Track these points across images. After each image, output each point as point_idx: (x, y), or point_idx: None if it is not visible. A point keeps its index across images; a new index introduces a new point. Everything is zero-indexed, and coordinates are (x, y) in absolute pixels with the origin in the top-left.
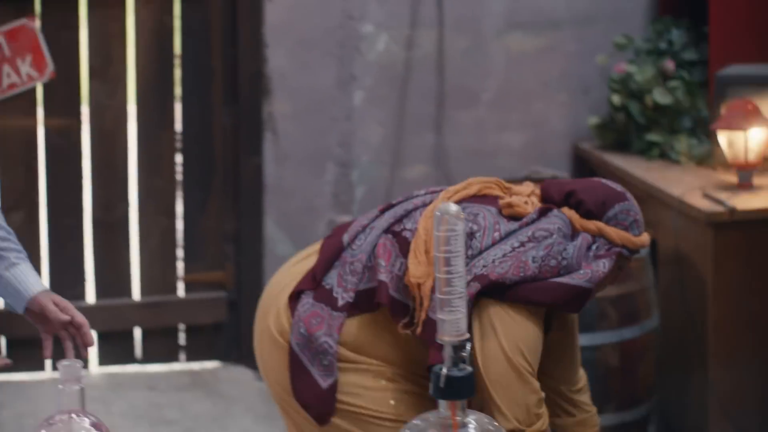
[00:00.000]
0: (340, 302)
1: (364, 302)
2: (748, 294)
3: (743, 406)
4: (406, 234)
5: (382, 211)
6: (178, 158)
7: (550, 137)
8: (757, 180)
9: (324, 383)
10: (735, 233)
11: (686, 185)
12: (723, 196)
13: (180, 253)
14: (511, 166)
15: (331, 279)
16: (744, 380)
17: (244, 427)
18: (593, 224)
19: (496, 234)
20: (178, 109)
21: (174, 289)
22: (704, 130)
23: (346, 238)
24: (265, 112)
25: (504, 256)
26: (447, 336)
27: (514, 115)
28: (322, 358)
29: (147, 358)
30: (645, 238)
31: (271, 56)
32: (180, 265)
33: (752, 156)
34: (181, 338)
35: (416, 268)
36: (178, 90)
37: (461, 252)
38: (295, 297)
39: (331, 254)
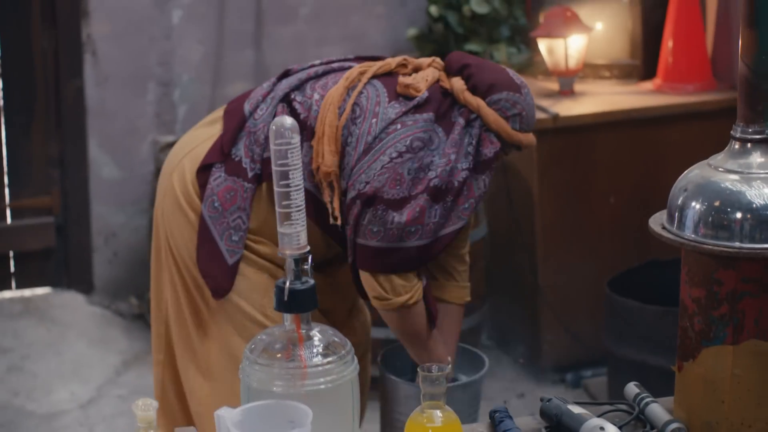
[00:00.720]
0: (250, 173)
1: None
2: (573, 199)
3: (573, 308)
4: (296, 105)
5: (279, 79)
6: (0, 84)
7: (370, 49)
8: (577, 86)
9: (230, 259)
10: (558, 140)
11: None
12: (545, 103)
13: (5, 179)
14: None
15: (239, 150)
16: (573, 283)
17: (78, 351)
18: (475, 100)
19: (374, 120)
20: None
21: (2, 216)
22: (523, 39)
23: (247, 107)
24: (84, 33)
25: (382, 167)
26: (288, 249)
27: (333, 29)
28: (233, 233)
29: None
30: (528, 137)
31: None
32: (6, 192)
33: (572, 63)
34: (11, 265)
35: (330, 159)
36: None
37: (299, 165)
38: (203, 169)
39: (236, 125)
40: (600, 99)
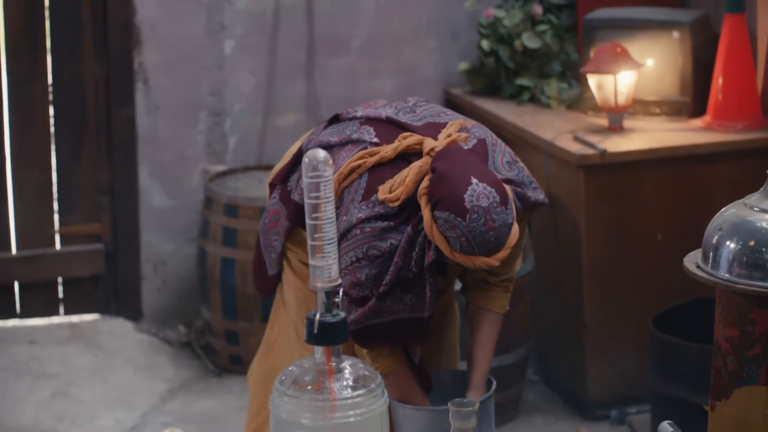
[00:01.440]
0: (293, 206)
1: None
2: (620, 235)
3: (618, 344)
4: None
5: (328, 124)
6: (51, 111)
7: (421, 83)
8: (626, 122)
9: (270, 271)
10: (606, 176)
11: (557, 129)
12: (594, 139)
13: (56, 205)
14: None
15: (292, 181)
16: (618, 320)
17: (124, 378)
18: (426, 209)
19: (344, 217)
20: (49, 61)
21: (51, 242)
22: (574, 74)
23: (304, 144)
24: (135, 62)
25: (345, 267)
26: (319, 282)
27: (385, 62)
28: (272, 251)
29: (26, 312)
30: (474, 259)
31: (140, 6)
32: (56, 218)
33: (622, 99)
34: (60, 291)
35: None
36: (48, 42)
37: (331, 198)
38: (273, 184)
39: (297, 154)
40: (649, 135)
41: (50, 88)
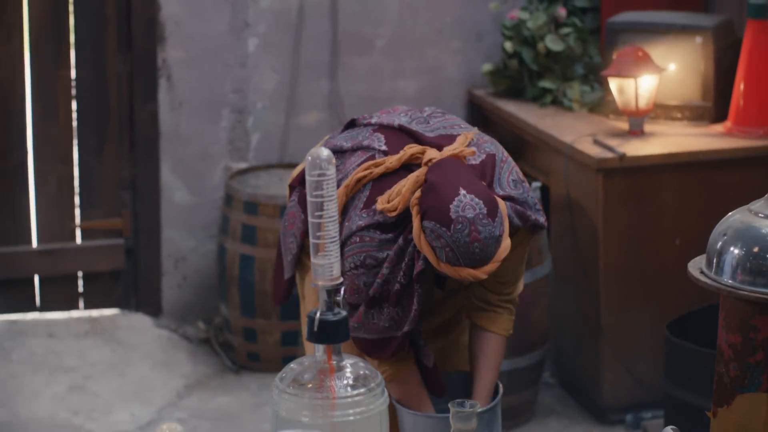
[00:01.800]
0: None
1: None
2: (638, 240)
3: (635, 350)
4: None
5: (344, 129)
6: (74, 105)
7: (445, 84)
8: (648, 127)
9: (287, 274)
10: (624, 179)
11: (578, 132)
12: (613, 142)
13: (77, 200)
14: None
15: None
16: (635, 324)
17: (141, 373)
18: (416, 219)
19: (346, 224)
20: (72, 56)
21: (72, 237)
22: (597, 77)
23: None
24: (159, 58)
25: (344, 273)
26: (321, 280)
27: (408, 62)
28: (288, 254)
29: (46, 306)
30: (460, 271)
31: (165, 3)
32: (77, 212)
33: (643, 103)
34: (80, 285)
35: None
36: (72, 37)
37: (333, 196)
38: (292, 186)
39: None
40: (669, 140)
41: (73, 83)
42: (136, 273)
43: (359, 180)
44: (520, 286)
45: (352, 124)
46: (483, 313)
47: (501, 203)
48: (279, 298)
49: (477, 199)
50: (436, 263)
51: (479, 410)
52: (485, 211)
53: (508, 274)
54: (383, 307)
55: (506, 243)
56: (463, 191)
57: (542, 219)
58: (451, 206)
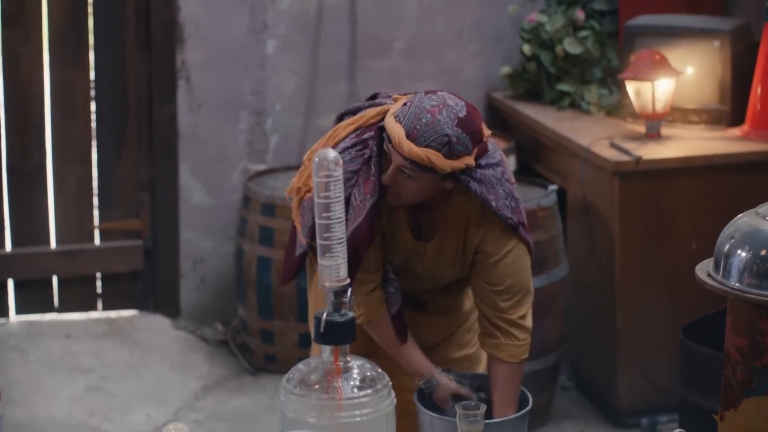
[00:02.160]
0: None
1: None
2: (654, 242)
3: (650, 353)
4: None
5: (340, 117)
6: (93, 106)
7: (463, 86)
8: (664, 130)
9: (297, 252)
10: (640, 183)
11: (595, 135)
12: (630, 146)
13: (95, 201)
14: None
15: None
16: (651, 327)
17: (159, 374)
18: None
19: None
20: (91, 57)
21: (90, 238)
22: (614, 80)
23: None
24: (178, 60)
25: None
26: (328, 281)
27: (427, 65)
28: (304, 230)
29: (64, 307)
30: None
31: (184, 4)
32: (96, 213)
33: (659, 106)
34: (98, 286)
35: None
36: (91, 38)
37: (341, 198)
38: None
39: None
40: (685, 143)
41: (92, 84)
42: (154, 274)
43: (351, 123)
44: (526, 311)
45: (374, 97)
46: (490, 340)
47: (486, 134)
48: (288, 276)
49: (462, 103)
50: (397, 142)
51: (507, 418)
52: (461, 114)
53: (499, 282)
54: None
55: (468, 161)
56: (454, 97)
57: (528, 237)
58: (434, 96)
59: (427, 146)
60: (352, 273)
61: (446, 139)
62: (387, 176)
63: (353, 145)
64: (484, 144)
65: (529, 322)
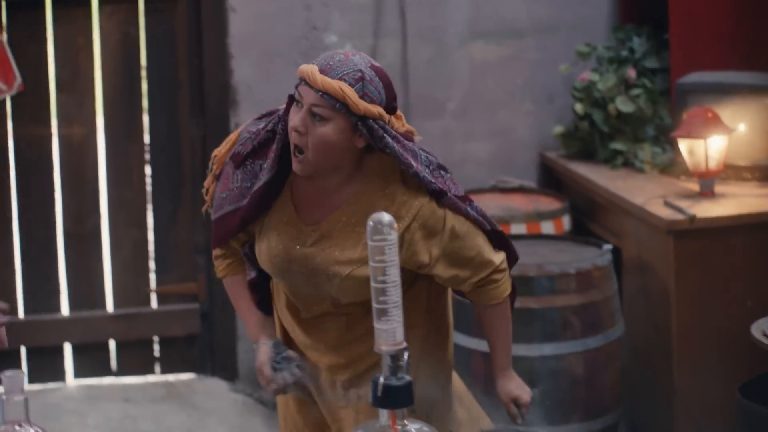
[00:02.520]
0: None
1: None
2: (710, 301)
3: (708, 412)
4: None
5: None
6: (148, 170)
7: (516, 146)
8: (718, 188)
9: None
10: (695, 241)
11: (649, 193)
12: (684, 204)
13: (152, 264)
14: (479, 176)
15: None
16: (708, 386)
17: None
18: None
19: None
20: (146, 121)
21: (147, 301)
22: (667, 138)
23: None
24: (232, 122)
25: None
26: (384, 345)
27: (480, 125)
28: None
29: (122, 370)
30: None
31: (237, 67)
32: (152, 277)
33: (713, 164)
34: (156, 350)
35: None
36: (145, 102)
37: (396, 261)
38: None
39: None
40: (739, 201)
41: (147, 148)
42: (211, 337)
43: None
44: (489, 257)
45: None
46: (471, 295)
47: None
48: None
49: (376, 65)
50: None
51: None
52: (375, 63)
53: (460, 254)
54: (241, 167)
55: (380, 110)
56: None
57: (464, 205)
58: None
59: (340, 78)
60: (228, 230)
61: (360, 74)
62: (297, 119)
63: (262, 117)
64: (399, 117)
65: (497, 259)
